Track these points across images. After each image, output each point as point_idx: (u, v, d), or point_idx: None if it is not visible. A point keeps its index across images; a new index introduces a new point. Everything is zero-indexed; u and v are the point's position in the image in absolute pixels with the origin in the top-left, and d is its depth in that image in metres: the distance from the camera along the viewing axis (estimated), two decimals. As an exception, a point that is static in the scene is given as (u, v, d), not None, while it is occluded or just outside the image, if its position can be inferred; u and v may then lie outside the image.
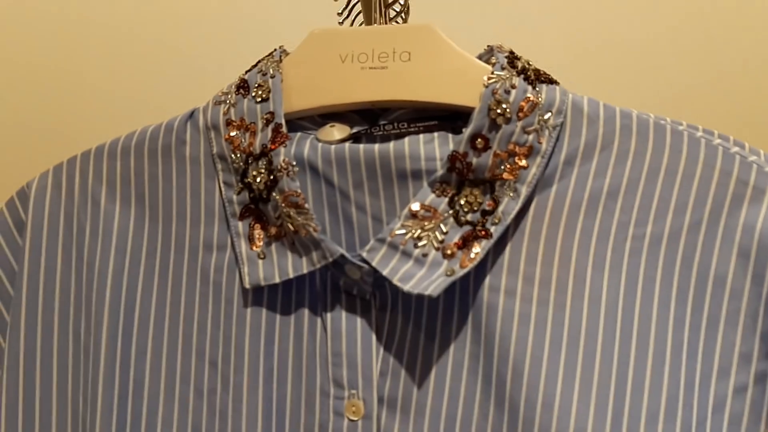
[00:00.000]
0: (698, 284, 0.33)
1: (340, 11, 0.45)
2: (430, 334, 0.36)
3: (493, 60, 0.36)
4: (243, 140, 0.37)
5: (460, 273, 0.33)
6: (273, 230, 0.36)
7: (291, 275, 0.35)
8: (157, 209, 0.38)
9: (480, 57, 0.39)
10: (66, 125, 0.67)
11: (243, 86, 0.38)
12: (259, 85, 0.37)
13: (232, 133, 0.37)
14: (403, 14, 0.45)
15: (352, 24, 0.45)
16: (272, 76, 0.37)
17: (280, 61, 0.38)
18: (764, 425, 0.32)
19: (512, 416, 0.33)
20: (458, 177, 0.35)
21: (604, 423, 0.32)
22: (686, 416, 0.32)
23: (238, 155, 0.37)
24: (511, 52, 0.37)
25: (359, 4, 0.44)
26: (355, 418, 0.35)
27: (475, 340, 0.35)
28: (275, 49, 0.39)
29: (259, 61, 0.39)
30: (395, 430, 0.35)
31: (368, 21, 0.43)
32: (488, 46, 0.39)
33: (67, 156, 0.40)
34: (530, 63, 0.36)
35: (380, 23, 0.42)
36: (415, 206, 0.35)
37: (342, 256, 0.34)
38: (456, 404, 0.35)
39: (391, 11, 0.44)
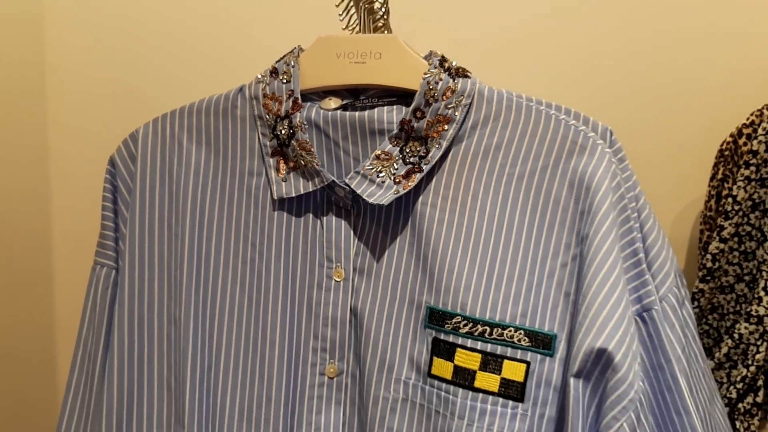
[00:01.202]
0: (544, 203, 0.55)
1: (340, 13, 0.66)
2: (385, 230, 0.58)
3: (430, 61, 0.58)
4: (274, 107, 0.59)
5: (403, 192, 0.56)
6: (291, 164, 0.59)
7: (302, 192, 0.58)
8: (219, 149, 0.61)
9: (426, 57, 0.60)
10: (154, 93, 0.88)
11: (274, 72, 0.60)
12: (285, 72, 0.59)
13: (267, 102, 0.59)
14: (385, 16, 0.66)
15: (348, 23, 0.66)
16: (293, 66, 0.59)
17: (298, 56, 0.60)
18: (575, 285, 0.54)
19: (430, 278, 0.56)
20: (406, 134, 0.57)
21: (481, 281, 0.55)
22: (530, 279, 0.54)
23: (271, 116, 0.59)
24: (443, 56, 0.58)
25: (353, 10, 0.65)
26: (339, 279, 0.58)
27: (412, 233, 0.57)
28: (294, 48, 0.61)
29: (285, 55, 0.61)
30: (362, 286, 0.58)
31: (359, 22, 0.64)
32: (430, 51, 0.60)
33: (158, 114, 0.62)
34: (453, 63, 0.58)
35: (367, 23, 0.63)
36: (378, 152, 0.57)
37: (333, 181, 0.57)
38: (399, 271, 0.58)
39: (376, 15, 0.65)
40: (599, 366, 0.51)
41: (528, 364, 0.54)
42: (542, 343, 0.54)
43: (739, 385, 0.68)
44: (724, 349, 0.69)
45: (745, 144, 0.68)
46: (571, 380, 0.52)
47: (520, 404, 0.54)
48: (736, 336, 0.69)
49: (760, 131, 0.67)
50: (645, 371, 0.54)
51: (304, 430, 0.58)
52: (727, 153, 0.71)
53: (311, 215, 0.60)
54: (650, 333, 0.54)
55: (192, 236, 0.60)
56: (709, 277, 0.71)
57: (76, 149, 0.90)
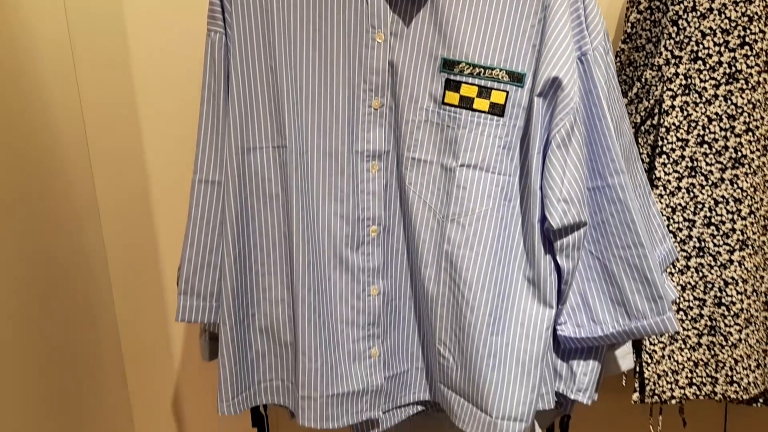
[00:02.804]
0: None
1: None
2: (412, 4, 0.84)
3: None
4: None
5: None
6: None
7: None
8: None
9: None
10: None
11: None
12: None
13: None
14: None
15: None
16: None
17: None
18: (539, 39, 0.83)
19: (444, 38, 0.84)
20: None
21: (479, 39, 0.83)
22: (511, 36, 0.83)
23: None
24: None
25: None
26: (380, 41, 0.86)
27: (431, 8, 0.84)
28: None
29: None
30: (396, 45, 0.86)
31: None
32: None
33: None
34: None
35: None
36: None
37: None
38: (422, 34, 0.85)
39: None
40: (553, 88, 0.82)
41: (507, 92, 0.85)
42: (517, 78, 0.84)
43: (643, 114, 1.01)
44: (635, 90, 1.01)
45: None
46: (535, 99, 0.83)
47: (502, 118, 0.85)
48: (643, 80, 1.00)
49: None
50: (581, 94, 0.85)
51: (360, 141, 0.89)
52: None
53: (360, -5, 0.86)
54: (585, 69, 0.84)
55: (278, 9, 0.86)
56: (628, 40, 1.01)
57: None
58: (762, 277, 1.02)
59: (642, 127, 1.01)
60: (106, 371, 1.26)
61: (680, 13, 0.94)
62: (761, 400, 1.10)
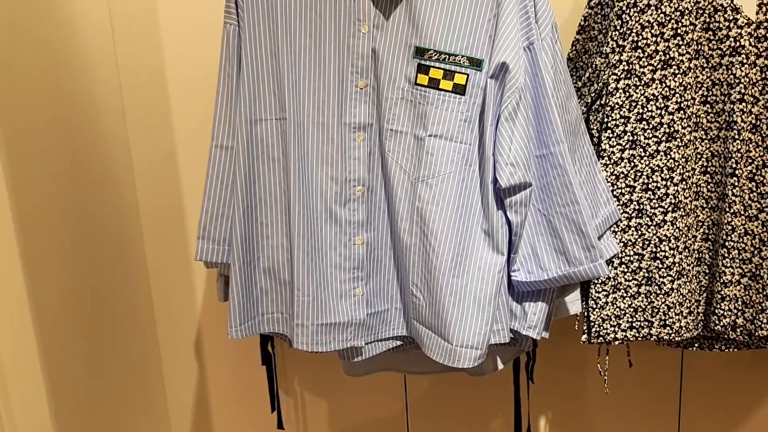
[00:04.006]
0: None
1: None
2: (391, 2, 1.02)
3: None
4: None
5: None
6: None
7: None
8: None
9: None
10: None
11: None
12: None
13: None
14: None
15: None
16: None
17: None
18: (493, 31, 1.00)
19: (416, 29, 1.02)
20: None
21: (445, 30, 1.00)
22: (471, 28, 1.00)
23: None
24: None
25: None
26: (364, 32, 1.04)
27: (406, 5, 1.02)
28: None
29: None
30: (378, 35, 1.04)
31: None
32: None
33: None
34: None
35: None
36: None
37: None
38: (399, 26, 1.03)
39: None
40: (502, 71, 0.99)
41: (468, 75, 1.02)
42: (476, 63, 1.02)
43: (593, 95, 1.18)
44: (587, 74, 1.18)
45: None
46: (488, 81, 1.00)
47: (463, 96, 1.03)
48: (593, 66, 1.17)
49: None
50: (528, 76, 1.02)
51: (348, 115, 1.07)
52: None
53: (347, -7, 1.04)
54: (532, 56, 1.02)
55: (281, 6, 1.04)
56: (582, 31, 1.17)
57: None
58: (695, 237, 1.18)
59: (593, 107, 1.18)
60: (137, 311, 1.47)
61: (623, 8, 1.11)
62: (696, 345, 1.27)
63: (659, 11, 1.10)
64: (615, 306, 1.18)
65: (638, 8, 1.10)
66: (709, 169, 1.17)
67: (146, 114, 1.41)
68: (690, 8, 1.10)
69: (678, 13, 1.10)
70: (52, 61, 1.15)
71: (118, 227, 1.39)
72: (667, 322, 1.18)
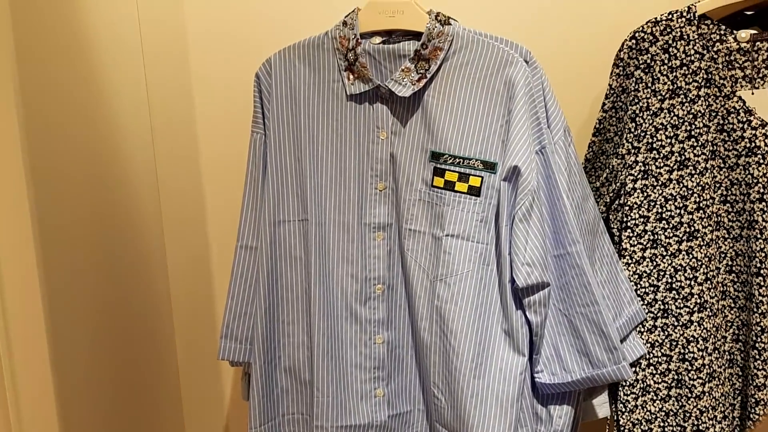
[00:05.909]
0: (491, 93, 1.04)
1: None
2: (407, 110, 1.08)
3: (430, 14, 1.05)
4: (345, 43, 1.07)
5: (417, 89, 1.05)
6: (356, 75, 1.08)
7: (361, 91, 1.07)
8: (315, 67, 1.10)
9: (428, 12, 1.07)
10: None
11: (344, 23, 1.07)
12: (350, 23, 1.07)
13: (341, 40, 1.07)
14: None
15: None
16: (354, 19, 1.07)
17: (357, 13, 1.08)
18: (506, 136, 1.03)
19: (432, 135, 1.06)
20: (417, 57, 1.05)
21: (459, 136, 1.05)
22: (484, 134, 1.04)
23: (343, 48, 1.07)
24: (438, 12, 1.05)
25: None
26: (383, 138, 1.09)
27: (422, 112, 1.07)
28: (355, 8, 1.08)
29: (349, 13, 1.08)
30: (395, 141, 1.09)
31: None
32: (430, 9, 1.07)
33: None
34: (445, 15, 1.05)
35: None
36: (403, 67, 1.06)
37: (379, 84, 1.06)
38: (415, 132, 1.08)
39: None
40: (515, 174, 1.02)
41: (482, 177, 1.05)
42: (490, 166, 1.05)
43: (612, 195, 1.19)
44: (605, 174, 1.20)
45: (620, 51, 1.16)
46: (502, 183, 1.03)
47: (478, 198, 1.06)
48: (611, 167, 1.19)
49: (625, 47, 1.14)
50: (542, 178, 1.04)
51: (368, 215, 1.10)
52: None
53: (367, 104, 1.09)
54: (545, 160, 1.04)
55: (304, 116, 1.10)
56: (598, 133, 1.20)
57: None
58: (724, 338, 1.15)
59: (612, 206, 1.19)
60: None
61: (636, 111, 1.14)
62: (734, 452, 1.21)
63: (672, 114, 1.13)
64: (645, 409, 1.14)
65: (651, 111, 1.13)
66: (734, 269, 1.15)
67: (181, 219, 1.47)
68: (703, 111, 1.12)
69: (691, 116, 1.12)
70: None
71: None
72: (701, 427, 1.13)
